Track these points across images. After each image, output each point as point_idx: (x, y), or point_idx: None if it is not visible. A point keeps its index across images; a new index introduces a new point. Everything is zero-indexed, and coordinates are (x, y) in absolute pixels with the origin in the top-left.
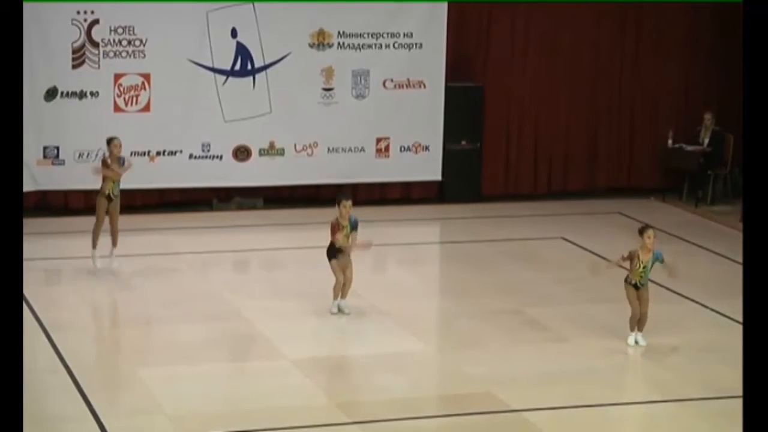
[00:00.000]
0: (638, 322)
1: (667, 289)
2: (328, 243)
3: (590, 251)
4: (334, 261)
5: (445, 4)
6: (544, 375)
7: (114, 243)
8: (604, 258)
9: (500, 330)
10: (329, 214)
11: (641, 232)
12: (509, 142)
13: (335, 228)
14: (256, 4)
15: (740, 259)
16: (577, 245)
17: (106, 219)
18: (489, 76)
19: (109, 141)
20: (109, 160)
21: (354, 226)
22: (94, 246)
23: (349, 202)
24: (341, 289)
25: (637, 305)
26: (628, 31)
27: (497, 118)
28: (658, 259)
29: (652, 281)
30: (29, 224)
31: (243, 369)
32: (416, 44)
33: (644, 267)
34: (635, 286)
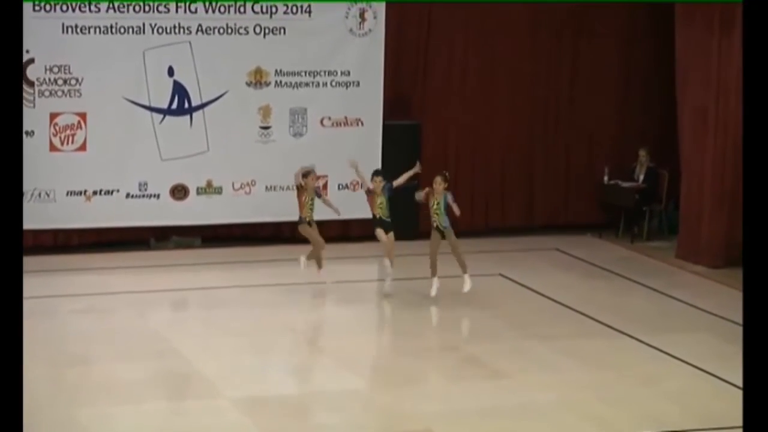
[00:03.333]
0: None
1: (604, 324)
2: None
3: (528, 288)
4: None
5: (382, 42)
6: (483, 411)
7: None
8: (544, 295)
9: (439, 367)
10: (268, 252)
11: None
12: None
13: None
14: (192, 42)
15: (675, 294)
16: (515, 282)
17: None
18: (426, 114)
19: (307, 174)
20: (305, 188)
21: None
22: (321, 267)
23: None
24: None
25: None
26: (564, 68)
27: (435, 155)
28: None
29: (592, 318)
30: None
31: (181, 408)
32: (354, 82)
33: (437, 206)
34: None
